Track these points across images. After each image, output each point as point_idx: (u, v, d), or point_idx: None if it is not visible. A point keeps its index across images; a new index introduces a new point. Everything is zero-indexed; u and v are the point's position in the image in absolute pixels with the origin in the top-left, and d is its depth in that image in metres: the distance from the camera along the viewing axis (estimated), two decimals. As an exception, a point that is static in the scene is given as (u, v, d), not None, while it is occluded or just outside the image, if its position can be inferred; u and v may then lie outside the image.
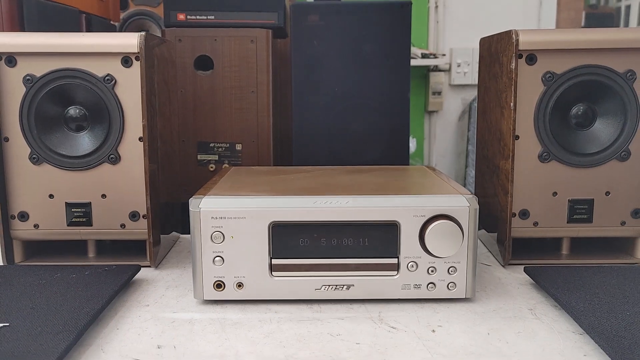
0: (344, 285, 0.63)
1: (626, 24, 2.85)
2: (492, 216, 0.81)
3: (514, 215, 0.75)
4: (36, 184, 0.74)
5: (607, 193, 0.75)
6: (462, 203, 0.62)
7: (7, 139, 0.73)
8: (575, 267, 0.69)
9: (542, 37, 0.72)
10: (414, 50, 2.47)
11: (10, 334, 0.52)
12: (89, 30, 1.21)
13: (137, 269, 0.70)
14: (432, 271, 0.62)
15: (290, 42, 0.97)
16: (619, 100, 0.73)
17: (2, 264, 0.76)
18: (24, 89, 0.72)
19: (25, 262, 0.77)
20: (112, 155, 0.74)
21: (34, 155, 0.73)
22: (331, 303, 0.64)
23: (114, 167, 0.74)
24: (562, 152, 0.74)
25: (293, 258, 0.62)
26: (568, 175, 0.74)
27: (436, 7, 2.58)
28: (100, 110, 0.73)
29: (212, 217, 0.61)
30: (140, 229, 0.75)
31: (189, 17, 1.04)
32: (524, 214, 0.75)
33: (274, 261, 0.62)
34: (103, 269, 0.69)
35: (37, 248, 0.79)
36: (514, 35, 0.71)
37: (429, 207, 0.61)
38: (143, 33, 0.72)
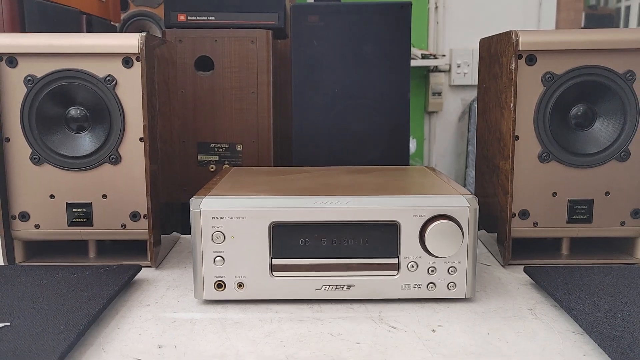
0: (344, 285, 0.63)
1: (626, 25, 2.85)
2: (492, 216, 0.81)
3: (513, 215, 0.75)
4: (37, 184, 0.74)
5: (607, 193, 0.75)
6: (462, 203, 0.62)
7: (8, 140, 0.73)
8: (575, 267, 0.69)
9: (541, 37, 0.72)
10: (414, 51, 2.47)
11: (11, 334, 0.52)
12: (89, 31, 1.21)
13: (138, 269, 0.70)
14: (432, 271, 0.63)
15: (290, 43, 0.97)
16: (619, 101, 0.73)
17: (3, 264, 0.76)
18: (25, 90, 0.72)
19: (26, 262, 0.77)
20: (112, 156, 0.74)
21: (35, 156, 0.73)
22: (331, 303, 0.64)
23: (115, 168, 0.74)
24: (561, 153, 0.74)
25: (293, 258, 0.63)
26: (568, 175, 0.75)
27: (436, 7, 2.58)
28: (101, 111, 0.73)
29: (212, 217, 0.61)
30: (140, 229, 0.75)
31: (189, 17, 1.04)
32: (524, 214, 0.75)
33: (275, 261, 0.62)
34: (104, 269, 0.69)
35: (38, 248, 0.80)
36: (513, 36, 0.71)
37: (429, 207, 0.62)
38: (144, 34, 0.72)
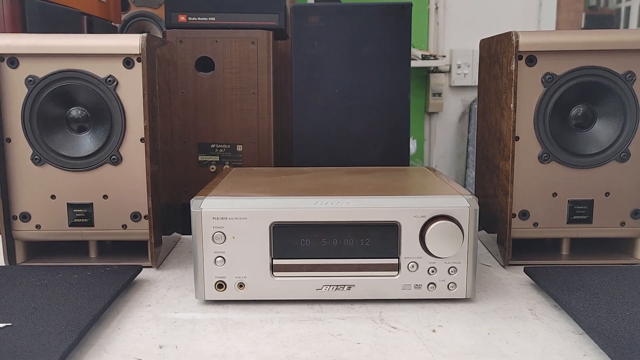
0: (344, 286, 0.63)
1: (626, 25, 2.86)
2: (492, 217, 0.81)
3: (514, 215, 0.75)
4: (38, 185, 0.74)
5: (607, 194, 0.75)
6: (462, 204, 0.62)
7: (9, 140, 0.73)
8: (575, 268, 0.69)
9: (541, 38, 0.72)
10: (414, 51, 2.47)
11: (12, 334, 0.52)
12: (90, 31, 1.21)
13: (139, 269, 0.70)
14: (432, 271, 0.63)
15: (290, 43, 0.97)
16: (619, 102, 0.73)
17: (4, 264, 0.76)
18: (26, 90, 0.72)
19: (27, 263, 0.77)
20: (113, 156, 0.74)
21: (36, 156, 0.74)
22: (332, 303, 0.64)
23: (116, 168, 0.74)
24: (562, 153, 0.74)
25: (294, 258, 0.63)
26: (568, 176, 0.75)
27: (436, 8, 2.59)
28: (102, 111, 0.73)
29: (213, 218, 0.61)
30: (141, 230, 0.76)
31: (189, 18, 1.04)
32: (524, 215, 0.75)
33: (275, 261, 0.63)
34: (105, 270, 0.69)
35: (39, 249, 0.80)
36: (513, 37, 0.71)
37: (430, 207, 0.62)
38: (145, 34, 0.72)
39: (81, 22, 1.19)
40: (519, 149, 0.74)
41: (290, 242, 0.62)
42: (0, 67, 0.72)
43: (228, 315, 0.61)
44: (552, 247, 0.81)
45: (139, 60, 0.72)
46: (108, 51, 0.72)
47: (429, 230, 0.61)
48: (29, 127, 0.73)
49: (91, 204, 0.75)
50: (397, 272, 0.63)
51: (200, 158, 1.06)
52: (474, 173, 2.41)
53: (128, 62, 0.72)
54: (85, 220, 0.75)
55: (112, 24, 1.38)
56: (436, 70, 2.61)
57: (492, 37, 0.80)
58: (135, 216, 0.75)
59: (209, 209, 0.61)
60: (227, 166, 1.06)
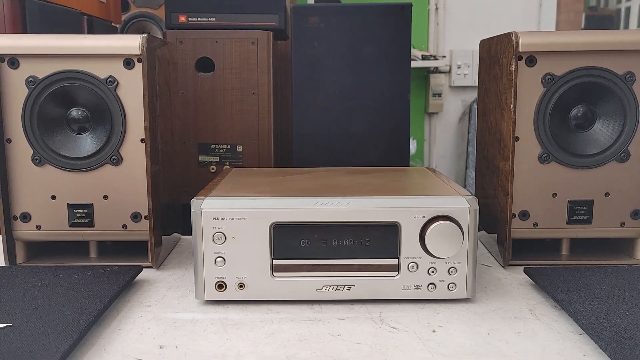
0: (344, 286, 0.63)
1: (626, 26, 2.86)
2: (492, 217, 0.81)
3: (513, 216, 0.75)
4: (38, 185, 0.74)
5: (607, 194, 0.75)
6: (462, 204, 0.62)
7: (9, 141, 0.73)
8: (575, 268, 0.69)
9: (541, 39, 0.72)
10: (414, 52, 2.48)
11: (13, 334, 0.52)
12: (90, 32, 1.21)
13: (139, 269, 0.71)
14: (432, 272, 0.63)
15: (290, 44, 0.97)
16: (618, 102, 0.73)
17: (4, 264, 0.76)
18: (26, 91, 0.72)
19: (27, 263, 0.77)
20: (114, 157, 0.74)
21: (37, 157, 0.74)
22: (332, 303, 0.64)
23: (116, 169, 0.74)
24: (561, 154, 0.74)
25: (294, 259, 0.63)
26: (568, 176, 0.75)
27: (436, 9, 2.59)
28: (103, 112, 0.73)
29: (213, 218, 0.61)
30: (142, 230, 0.76)
31: (190, 19, 1.04)
32: (524, 215, 0.76)
33: (275, 262, 0.63)
34: (105, 270, 0.69)
35: (39, 249, 0.80)
36: (513, 37, 0.71)
37: (430, 208, 0.62)
38: (145, 35, 0.73)
39: (81, 23, 1.19)
40: (518, 149, 0.74)
41: (291, 243, 0.62)
42: (0, 67, 0.72)
43: (228, 315, 0.61)
44: (552, 247, 0.81)
45: (139, 60, 0.72)
46: (108, 52, 0.72)
47: (429, 230, 0.61)
48: (29, 127, 0.73)
49: (91, 205, 0.75)
50: (397, 273, 0.63)
51: (200, 158, 1.07)
52: (474, 173, 2.41)
53: (128, 62, 0.72)
54: (86, 220, 0.75)
55: (112, 24, 1.38)
56: (436, 70, 2.61)
57: (492, 38, 0.80)
58: (136, 216, 0.75)
59: (209, 209, 0.62)
60: (227, 166, 1.06)
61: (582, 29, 2.70)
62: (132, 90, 0.73)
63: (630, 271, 0.68)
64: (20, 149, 0.74)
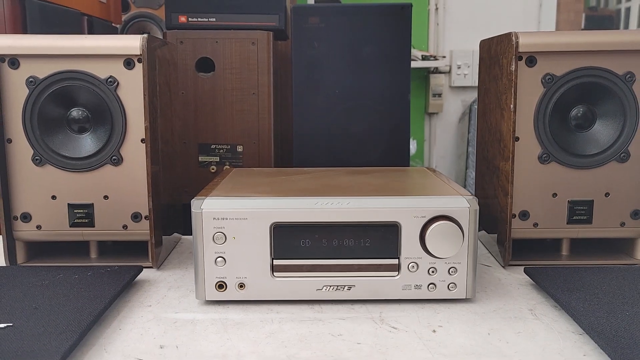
0: (345, 286, 0.63)
1: (626, 26, 2.86)
2: (492, 217, 0.81)
3: (514, 216, 0.75)
4: (39, 185, 0.74)
5: (607, 194, 0.75)
6: (462, 204, 0.62)
7: (10, 141, 0.74)
8: (575, 268, 0.69)
9: (541, 39, 0.72)
10: (414, 52, 2.48)
11: (13, 334, 0.52)
12: (90, 32, 1.21)
13: (139, 269, 0.71)
14: (432, 272, 0.63)
15: (291, 44, 0.97)
16: (618, 102, 0.73)
17: (5, 264, 0.76)
18: (27, 91, 0.72)
19: (27, 263, 0.77)
20: (114, 157, 0.74)
21: (37, 157, 0.74)
22: (332, 303, 0.64)
23: (116, 169, 0.74)
24: (561, 154, 0.74)
25: (294, 259, 0.63)
26: (568, 176, 0.75)
27: (436, 9, 2.59)
28: (103, 112, 0.73)
29: (214, 218, 0.61)
30: (142, 230, 0.76)
31: (190, 19, 1.04)
32: (524, 215, 0.76)
33: (276, 262, 0.63)
34: (105, 270, 0.69)
35: (39, 249, 0.80)
36: (513, 38, 0.72)
37: (430, 208, 0.62)
38: (145, 35, 0.73)
39: (81, 23, 1.19)
40: (519, 149, 0.74)
41: (291, 243, 0.62)
42: (1, 67, 0.72)
43: (228, 315, 0.61)
44: (552, 247, 0.81)
45: (139, 61, 0.72)
46: (109, 52, 0.72)
47: (429, 230, 0.61)
48: (29, 127, 0.73)
49: (92, 205, 0.75)
50: (397, 273, 0.63)
51: (200, 158, 1.07)
52: (474, 173, 2.41)
53: (129, 62, 0.72)
54: (86, 220, 0.75)
55: (113, 24, 1.38)
56: (436, 70, 2.61)
57: (492, 38, 0.81)
58: (136, 216, 0.75)
59: (210, 209, 0.62)
60: (228, 167, 1.06)
61: (582, 29, 2.70)
62: (132, 91, 0.73)
63: (630, 271, 0.68)
64: (21, 149, 0.74)
